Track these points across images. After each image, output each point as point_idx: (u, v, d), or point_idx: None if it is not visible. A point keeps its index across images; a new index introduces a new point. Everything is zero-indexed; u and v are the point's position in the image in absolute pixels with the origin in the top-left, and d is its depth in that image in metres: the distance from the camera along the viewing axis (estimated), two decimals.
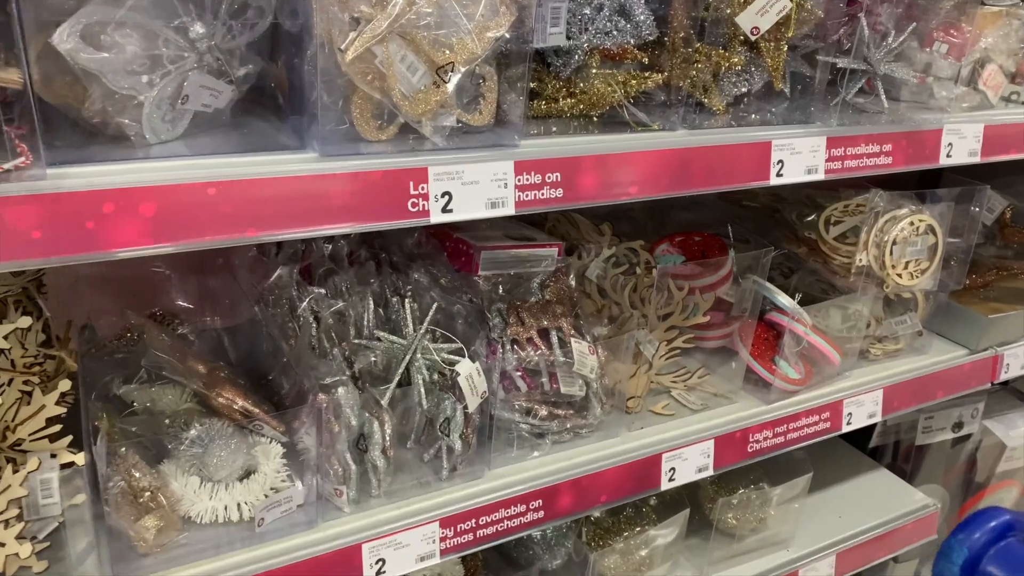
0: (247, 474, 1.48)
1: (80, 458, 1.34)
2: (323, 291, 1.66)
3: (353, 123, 1.25)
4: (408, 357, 1.54)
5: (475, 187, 1.33)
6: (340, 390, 1.45)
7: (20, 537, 1.26)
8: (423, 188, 1.28)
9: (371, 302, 1.67)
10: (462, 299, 1.71)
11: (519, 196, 1.37)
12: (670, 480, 1.79)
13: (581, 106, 1.54)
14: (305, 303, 1.62)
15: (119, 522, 1.32)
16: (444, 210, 1.31)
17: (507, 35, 1.31)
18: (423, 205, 1.29)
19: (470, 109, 1.36)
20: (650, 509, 2.08)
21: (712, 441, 1.84)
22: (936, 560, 2.69)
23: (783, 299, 1.97)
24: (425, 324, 1.56)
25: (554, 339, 1.69)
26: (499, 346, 1.66)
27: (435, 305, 1.59)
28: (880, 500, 2.41)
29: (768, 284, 1.98)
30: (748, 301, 1.98)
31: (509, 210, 1.37)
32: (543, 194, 1.40)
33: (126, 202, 1.08)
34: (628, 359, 1.81)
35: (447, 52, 1.26)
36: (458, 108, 1.33)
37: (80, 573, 1.34)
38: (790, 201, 2.25)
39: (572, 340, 1.68)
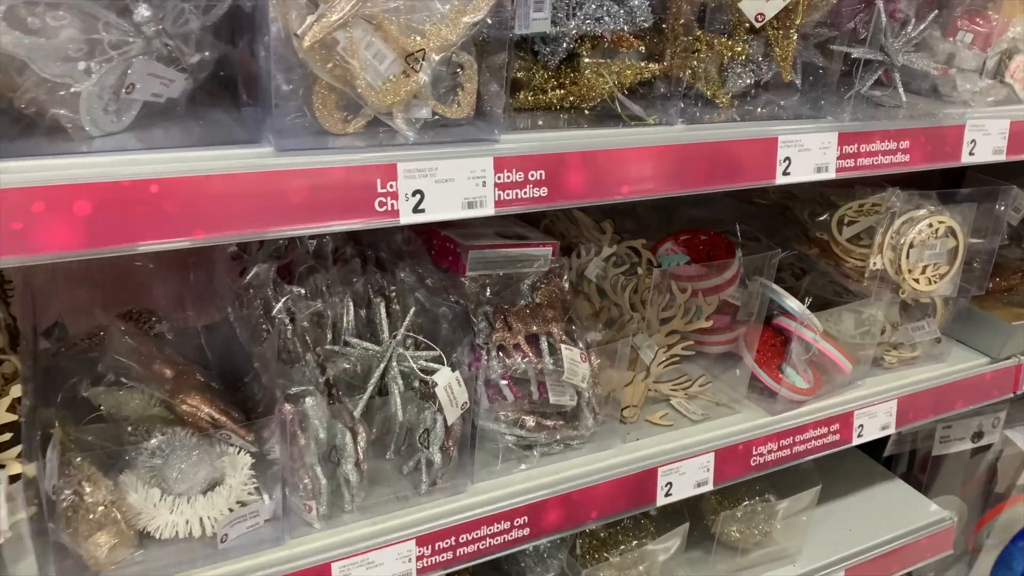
0: (213, 486, 1.40)
1: (30, 470, 1.26)
2: (301, 291, 1.57)
3: (315, 115, 1.15)
4: (383, 365, 1.44)
5: (450, 185, 1.23)
6: (308, 400, 1.36)
7: None
8: (391, 186, 1.18)
9: (351, 303, 1.57)
10: (448, 301, 1.62)
11: (499, 195, 1.28)
12: (666, 495, 1.70)
13: (571, 98, 1.44)
14: (280, 303, 1.53)
15: (67, 538, 1.24)
16: (416, 210, 1.21)
17: (487, 20, 1.21)
18: (392, 204, 1.19)
19: (447, 100, 1.26)
20: (649, 521, 1.99)
21: (712, 454, 1.74)
22: (995, 567, 2.64)
23: (791, 303, 1.87)
24: (401, 330, 1.46)
25: (543, 345, 1.59)
26: (484, 353, 1.56)
27: (412, 310, 1.50)
28: (894, 512, 2.31)
29: (776, 287, 1.88)
30: (755, 305, 1.88)
31: (488, 210, 1.27)
32: (525, 193, 1.30)
33: (58, 201, 0.99)
34: (624, 365, 1.71)
35: (418, 39, 1.16)
36: (433, 99, 1.23)
37: None
38: (802, 199, 2.14)
39: (562, 347, 1.58)
